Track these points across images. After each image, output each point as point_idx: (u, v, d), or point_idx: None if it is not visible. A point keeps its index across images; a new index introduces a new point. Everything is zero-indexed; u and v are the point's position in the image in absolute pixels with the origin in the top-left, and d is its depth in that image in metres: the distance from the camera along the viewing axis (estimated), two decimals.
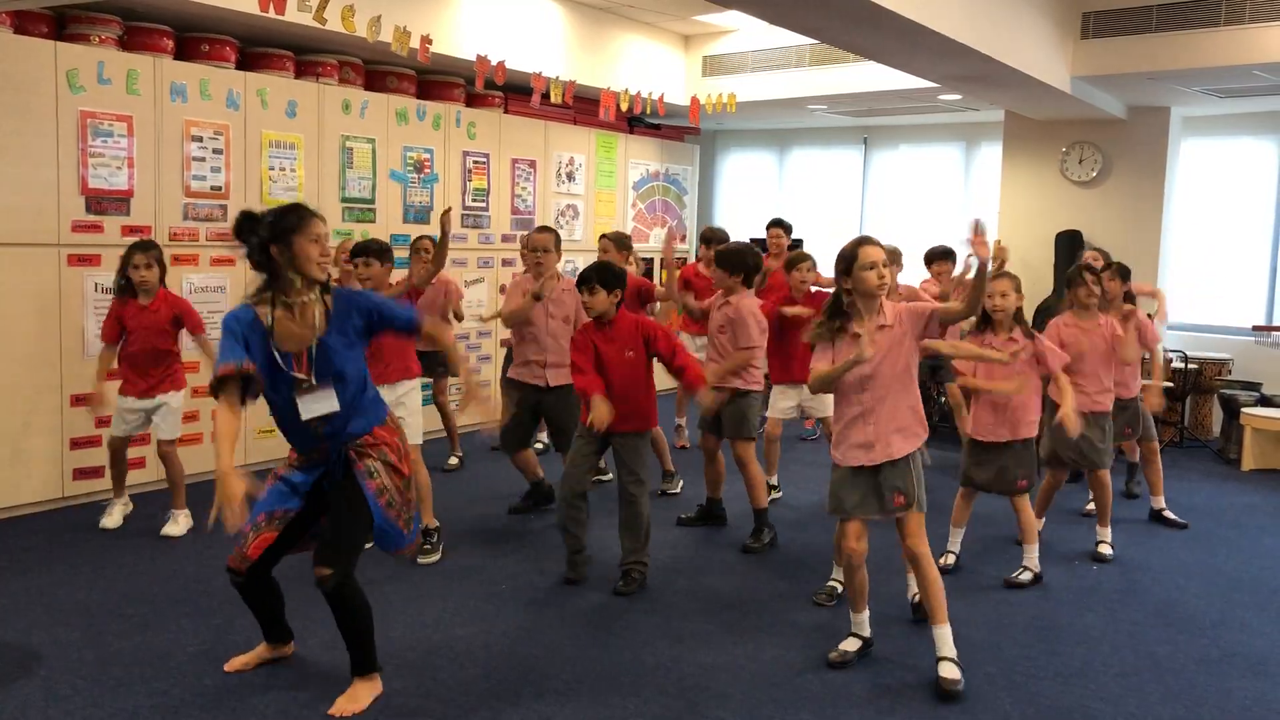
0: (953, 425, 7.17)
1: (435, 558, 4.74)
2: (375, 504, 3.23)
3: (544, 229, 5.44)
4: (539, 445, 6.93)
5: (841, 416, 3.64)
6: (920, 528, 3.58)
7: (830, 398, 5.41)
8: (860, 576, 3.74)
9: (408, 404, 4.75)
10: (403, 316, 3.38)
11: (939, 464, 6.84)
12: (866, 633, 3.82)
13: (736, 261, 5.07)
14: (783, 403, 5.64)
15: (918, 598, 4.00)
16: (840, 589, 4.30)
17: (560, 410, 5.22)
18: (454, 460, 6.56)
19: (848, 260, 3.53)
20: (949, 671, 3.53)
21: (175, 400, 5.03)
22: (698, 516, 5.43)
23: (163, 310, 4.91)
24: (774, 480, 5.92)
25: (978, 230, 3.31)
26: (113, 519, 5.07)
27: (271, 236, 3.12)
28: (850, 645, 3.78)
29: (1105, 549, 5.10)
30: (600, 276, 4.36)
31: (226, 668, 3.53)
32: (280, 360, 3.15)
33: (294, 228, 3.13)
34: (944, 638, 3.59)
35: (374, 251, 4.78)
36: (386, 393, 4.68)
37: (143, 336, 4.88)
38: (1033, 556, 4.68)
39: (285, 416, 3.25)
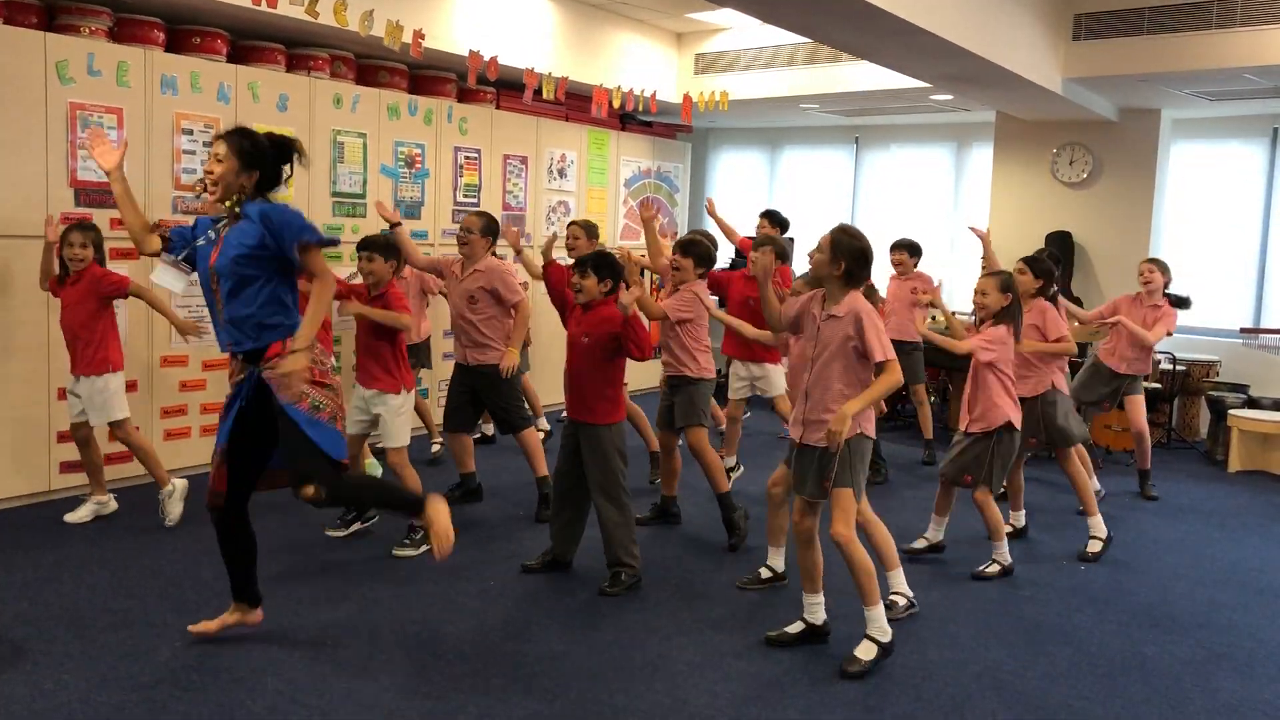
0: (911, 419, 7.30)
1: (413, 553, 4.74)
2: (298, 413, 3.31)
3: (479, 212, 5.48)
4: (478, 435, 6.87)
5: (796, 389, 3.80)
6: (845, 512, 3.59)
7: (780, 379, 5.60)
8: (810, 555, 3.78)
9: (403, 410, 4.83)
10: (292, 232, 3.34)
11: (897, 459, 6.89)
12: (818, 619, 3.83)
13: (704, 254, 5.16)
14: (735, 382, 5.88)
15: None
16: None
17: (487, 391, 5.29)
18: (436, 447, 6.59)
19: None
20: (863, 651, 3.64)
21: (107, 382, 4.84)
22: (652, 515, 5.39)
23: (81, 286, 4.79)
24: (732, 461, 6.14)
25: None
26: (77, 515, 4.98)
27: (276, 161, 3.46)
28: (793, 628, 3.84)
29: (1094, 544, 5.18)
30: (595, 262, 4.35)
31: (191, 629, 3.65)
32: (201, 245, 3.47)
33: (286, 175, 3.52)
34: (873, 618, 3.67)
35: (379, 246, 4.77)
36: (378, 399, 4.80)
37: (67, 315, 4.83)
38: (1002, 550, 4.77)
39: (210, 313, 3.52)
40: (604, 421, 4.37)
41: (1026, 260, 5.17)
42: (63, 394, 5.24)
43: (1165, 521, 5.86)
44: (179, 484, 5.05)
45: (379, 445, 5.04)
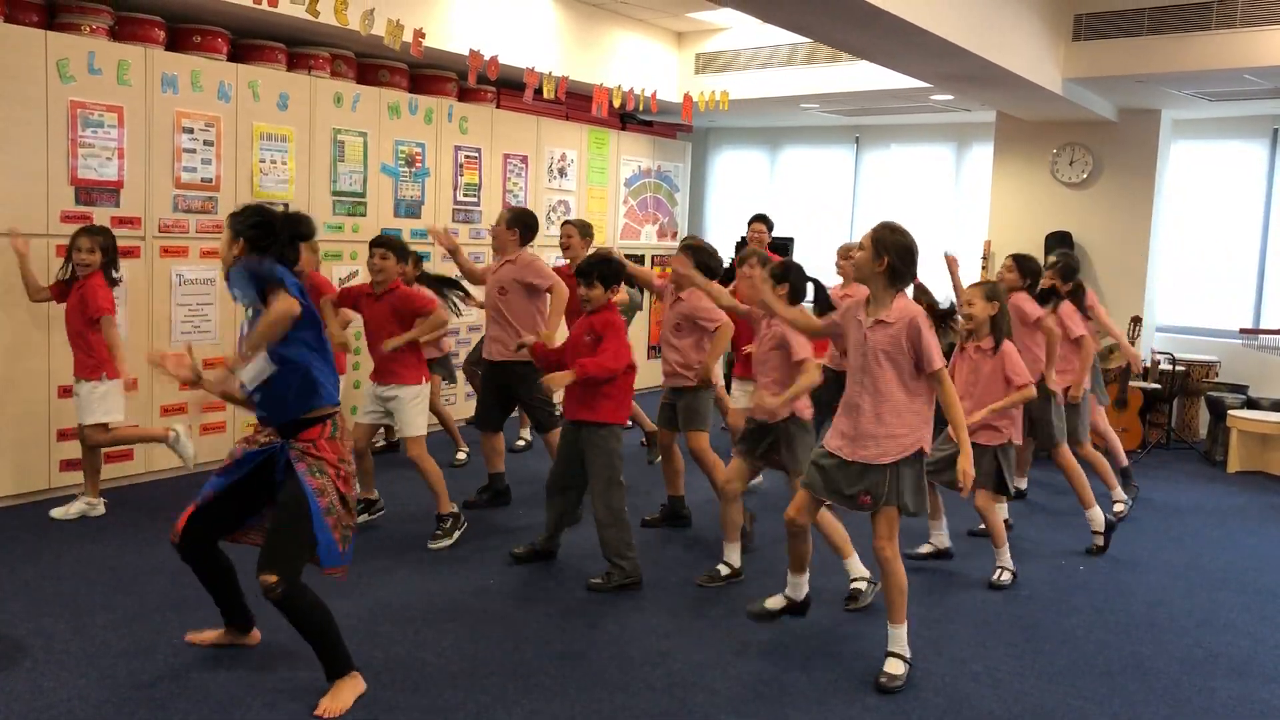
0: None
1: (447, 543, 4.83)
2: (315, 503, 3.17)
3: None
4: (520, 443, 6.91)
5: (842, 401, 3.62)
6: (890, 528, 3.56)
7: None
8: (801, 546, 3.83)
9: (419, 400, 4.89)
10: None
11: None
12: (800, 595, 3.90)
13: (710, 256, 5.00)
14: (743, 400, 5.72)
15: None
16: (866, 586, 4.28)
17: (516, 385, 5.35)
18: (461, 455, 6.59)
19: None
20: (892, 667, 3.59)
21: (94, 387, 4.89)
22: (661, 517, 5.39)
23: (80, 295, 4.84)
24: None
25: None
26: (66, 511, 5.01)
27: (291, 239, 3.28)
28: (775, 603, 3.89)
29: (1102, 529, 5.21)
30: (600, 271, 4.44)
31: (187, 637, 3.59)
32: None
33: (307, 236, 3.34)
34: (897, 636, 3.63)
35: (393, 246, 4.85)
36: (394, 391, 4.83)
37: (69, 320, 4.89)
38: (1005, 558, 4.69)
39: None
40: (606, 420, 4.41)
41: (1014, 257, 5.31)
42: (63, 392, 5.25)
43: (1164, 521, 5.86)
44: (179, 428, 5.08)
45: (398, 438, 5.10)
